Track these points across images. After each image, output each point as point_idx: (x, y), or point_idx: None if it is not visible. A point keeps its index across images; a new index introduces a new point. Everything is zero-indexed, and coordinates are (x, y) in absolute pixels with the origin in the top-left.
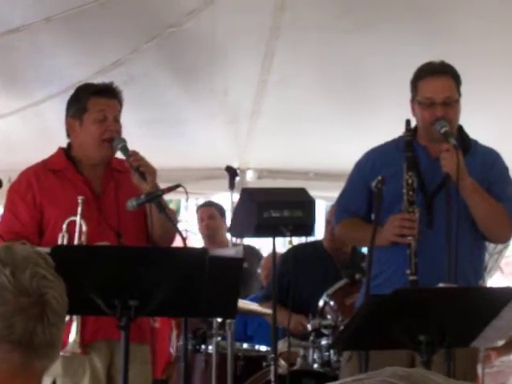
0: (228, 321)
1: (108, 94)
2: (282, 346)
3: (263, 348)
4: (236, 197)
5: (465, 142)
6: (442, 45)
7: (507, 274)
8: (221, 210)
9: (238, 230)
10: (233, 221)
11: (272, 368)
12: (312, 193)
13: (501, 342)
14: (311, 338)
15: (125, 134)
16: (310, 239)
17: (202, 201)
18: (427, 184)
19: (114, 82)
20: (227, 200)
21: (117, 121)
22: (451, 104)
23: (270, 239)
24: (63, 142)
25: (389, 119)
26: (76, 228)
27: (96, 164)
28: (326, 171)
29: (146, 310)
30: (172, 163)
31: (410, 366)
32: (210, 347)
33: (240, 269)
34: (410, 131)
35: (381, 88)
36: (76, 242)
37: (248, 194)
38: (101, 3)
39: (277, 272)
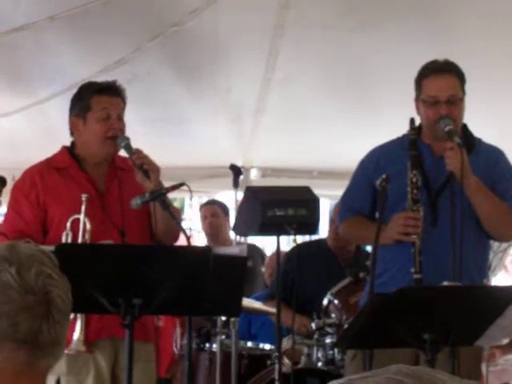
0: (232, 319)
1: (111, 92)
2: (286, 343)
3: (267, 346)
4: (240, 195)
5: (469, 141)
6: (445, 43)
7: None
8: (224, 209)
9: (242, 228)
10: (237, 219)
11: (276, 366)
12: (316, 191)
13: (505, 341)
14: (315, 336)
15: (128, 133)
16: (314, 237)
17: (205, 199)
18: (431, 182)
19: (117, 80)
20: (231, 198)
21: (120, 119)
22: (455, 102)
23: (274, 238)
24: (67, 140)
25: (393, 117)
26: (80, 226)
27: (100, 162)
28: (330, 169)
29: (150, 309)
30: (176, 161)
31: (415, 364)
32: (215, 346)
33: (244, 267)
34: (415, 129)
35: (385, 86)
36: (80, 240)
37: (252, 193)
38: (104, 2)
39: (281, 270)
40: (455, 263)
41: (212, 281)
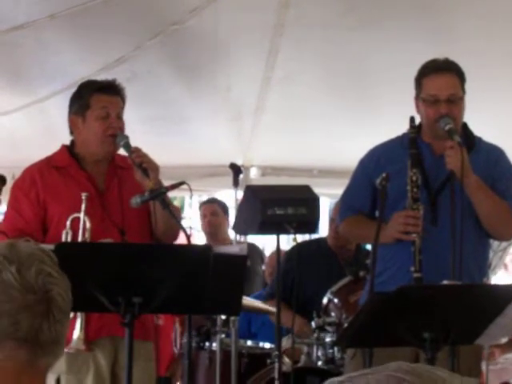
0: (232, 318)
1: (111, 90)
2: (285, 342)
3: (267, 345)
4: (240, 194)
5: (469, 139)
6: (445, 43)
7: None
8: (224, 207)
9: (242, 227)
10: (237, 218)
11: (276, 365)
12: (316, 190)
13: (504, 340)
14: (315, 335)
15: (128, 131)
16: (314, 236)
17: (205, 198)
18: (431, 181)
19: (116, 78)
20: (231, 197)
21: (119, 118)
22: (455, 101)
23: (274, 236)
24: (67, 138)
25: (393, 116)
26: (80, 225)
27: (99, 160)
28: (330, 168)
29: (149, 307)
30: (175, 160)
31: (415, 363)
32: (214, 344)
33: (244, 266)
34: (415, 128)
35: (385, 85)
36: (80, 238)
37: (252, 192)
38: (104, 1)
39: (281, 270)
40: (455, 262)
41: (212, 279)
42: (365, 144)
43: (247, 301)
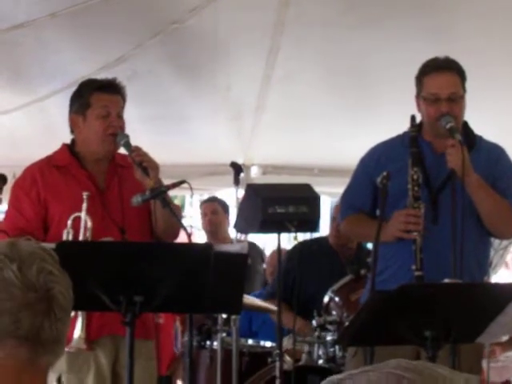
0: (233, 317)
1: (111, 89)
2: (286, 343)
3: (268, 344)
4: (241, 193)
5: (470, 138)
6: (446, 42)
7: None
8: (224, 206)
9: (243, 225)
10: (238, 217)
11: (277, 364)
12: (317, 189)
13: (505, 338)
14: (316, 333)
15: (128, 130)
16: (315, 235)
17: (206, 197)
18: (432, 180)
19: (117, 77)
20: (232, 196)
21: (120, 117)
22: (456, 100)
23: (275, 235)
24: (67, 137)
25: (393, 115)
26: (81, 224)
27: (100, 159)
28: (331, 167)
29: (151, 306)
30: (176, 159)
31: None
32: (215, 343)
33: (245, 265)
34: (415, 127)
35: (385, 84)
36: (81, 237)
37: (253, 190)
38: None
39: (282, 269)
40: (456, 260)
41: (213, 278)
42: (365, 143)
43: (248, 299)
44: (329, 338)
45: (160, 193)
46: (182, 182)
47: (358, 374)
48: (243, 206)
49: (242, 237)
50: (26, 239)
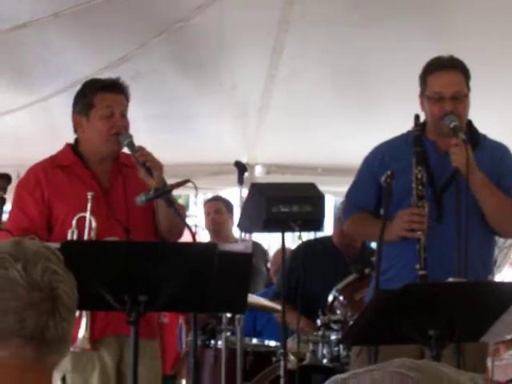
0: (237, 316)
1: (115, 89)
2: (291, 343)
3: (273, 343)
4: (245, 192)
5: (474, 137)
6: (450, 41)
7: None
8: (228, 205)
9: (247, 225)
10: (241, 216)
11: (281, 363)
12: (321, 188)
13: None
14: (320, 333)
15: (133, 130)
16: (319, 234)
17: (210, 196)
18: (436, 179)
19: (120, 77)
20: (236, 195)
21: (124, 116)
22: (460, 98)
23: (279, 234)
24: (71, 137)
25: (397, 114)
26: (86, 224)
27: (103, 159)
28: (335, 166)
29: (155, 305)
30: (180, 158)
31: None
32: (220, 342)
33: (249, 264)
34: (419, 126)
35: (389, 83)
36: (85, 237)
37: (257, 189)
38: None
39: (287, 268)
40: (460, 259)
41: (217, 277)
42: (369, 142)
43: (252, 299)
44: (333, 337)
45: (164, 192)
46: (187, 181)
47: (362, 373)
48: (247, 205)
49: (247, 236)
50: (30, 238)
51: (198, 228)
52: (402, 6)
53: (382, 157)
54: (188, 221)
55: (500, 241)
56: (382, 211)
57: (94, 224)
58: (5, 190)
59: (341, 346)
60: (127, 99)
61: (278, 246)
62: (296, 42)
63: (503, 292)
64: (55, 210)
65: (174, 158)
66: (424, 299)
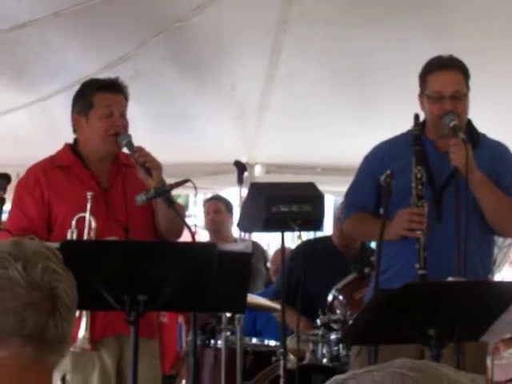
0: (237, 316)
1: (114, 89)
2: (290, 342)
3: (272, 343)
4: (244, 192)
5: (473, 136)
6: (450, 40)
7: None
8: (228, 205)
9: (247, 224)
10: (241, 216)
11: (281, 363)
12: (320, 187)
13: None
14: (320, 332)
15: (132, 129)
16: (319, 234)
17: (210, 196)
18: (436, 178)
19: (119, 76)
20: (236, 195)
21: (123, 116)
22: (460, 98)
23: (279, 234)
24: (71, 136)
25: (396, 113)
26: (85, 224)
27: (102, 159)
28: (334, 166)
29: (155, 305)
30: (180, 158)
31: (420, 360)
32: (219, 342)
33: (249, 264)
34: (419, 125)
35: (389, 82)
36: (85, 237)
37: (256, 189)
38: None
39: (286, 267)
40: (460, 259)
41: (217, 277)
42: (369, 141)
43: (252, 298)
44: (333, 336)
45: (164, 191)
46: (186, 180)
47: (362, 373)
48: (247, 204)
49: (246, 236)
50: (29, 238)
51: (197, 228)
52: (402, 5)
53: (382, 156)
54: (187, 220)
55: (499, 240)
56: (381, 211)
57: (93, 224)
58: (4, 190)
59: (340, 346)
60: (126, 99)
61: (278, 245)
62: (295, 42)
63: (503, 291)
64: (55, 210)
65: (174, 157)
66: (424, 299)
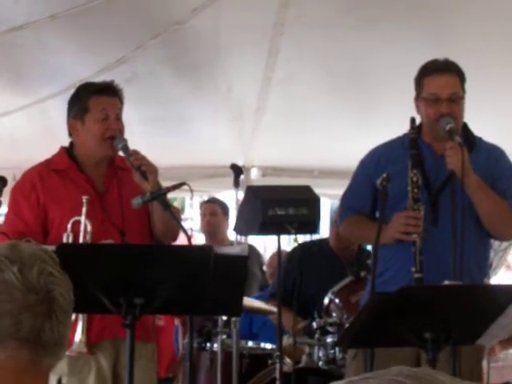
0: (233, 319)
1: (109, 92)
2: (286, 340)
3: (268, 346)
4: (241, 195)
5: (469, 139)
6: (447, 43)
7: None
8: (224, 208)
9: (243, 227)
10: (237, 219)
11: (277, 366)
12: (316, 190)
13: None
14: (316, 335)
15: (128, 132)
16: (315, 237)
17: (206, 199)
18: (432, 182)
19: (114, 80)
20: (232, 198)
21: (119, 119)
22: (456, 101)
23: (275, 237)
24: (68, 139)
25: (393, 117)
26: (81, 228)
27: (98, 162)
28: (331, 169)
29: (151, 308)
30: (176, 161)
31: (416, 363)
32: (216, 345)
33: (245, 267)
34: (415, 129)
35: (386, 85)
36: (81, 241)
37: (253, 192)
38: (105, 1)
39: (283, 270)
40: (456, 262)
41: (213, 280)
42: (365, 144)
43: (248, 301)
44: (329, 339)
45: (160, 194)
46: (182, 183)
47: (358, 380)
48: (243, 207)
49: (242, 239)
50: (26, 241)
51: (193, 231)
52: (399, 7)
53: (378, 159)
54: (183, 224)
55: (495, 243)
56: (377, 214)
57: (89, 228)
58: (0, 193)
59: (337, 349)
60: (121, 102)
61: (274, 248)
62: (291, 45)
63: (499, 295)
64: (50, 214)
65: (170, 160)
66: (420, 302)
